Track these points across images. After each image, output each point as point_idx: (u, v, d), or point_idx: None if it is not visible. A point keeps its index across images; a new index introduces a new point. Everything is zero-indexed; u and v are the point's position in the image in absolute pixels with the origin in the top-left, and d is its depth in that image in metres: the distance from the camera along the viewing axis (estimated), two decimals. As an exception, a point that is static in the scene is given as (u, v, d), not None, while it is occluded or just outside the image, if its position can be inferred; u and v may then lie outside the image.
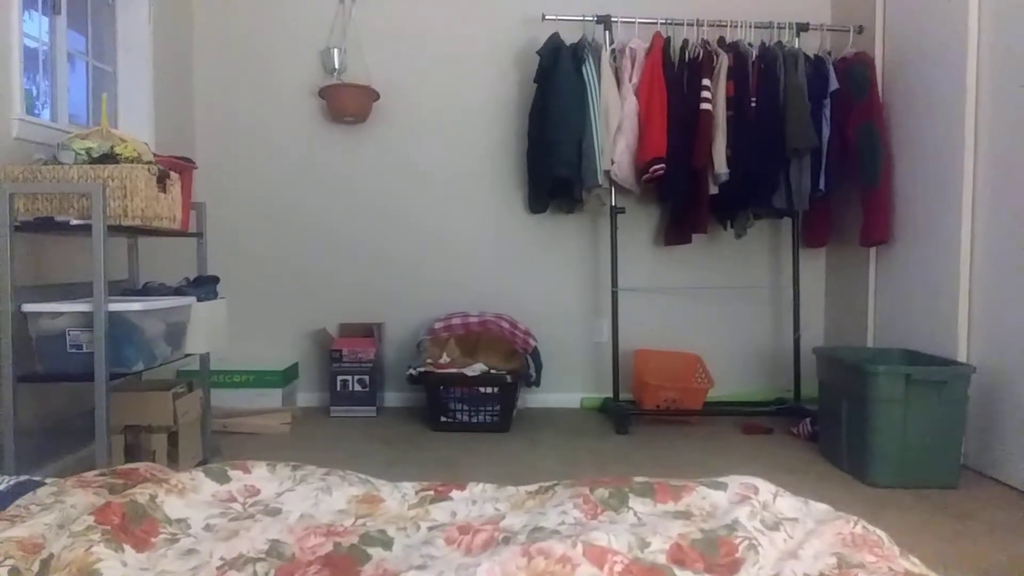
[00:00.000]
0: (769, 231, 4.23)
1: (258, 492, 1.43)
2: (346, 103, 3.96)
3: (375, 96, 4.00)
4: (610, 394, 3.94)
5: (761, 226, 4.14)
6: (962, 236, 3.08)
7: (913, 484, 2.80)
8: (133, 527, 1.20)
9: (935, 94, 3.28)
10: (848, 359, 3.04)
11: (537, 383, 3.77)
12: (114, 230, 2.44)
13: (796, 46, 3.80)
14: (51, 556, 1.10)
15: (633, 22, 3.80)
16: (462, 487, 1.47)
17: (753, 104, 3.67)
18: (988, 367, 2.95)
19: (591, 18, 3.82)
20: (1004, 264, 2.91)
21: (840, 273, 4.11)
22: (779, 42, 3.79)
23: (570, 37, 3.79)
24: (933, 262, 3.27)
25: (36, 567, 1.09)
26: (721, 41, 3.76)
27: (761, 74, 3.69)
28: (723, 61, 3.67)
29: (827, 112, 3.70)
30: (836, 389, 3.09)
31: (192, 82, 4.11)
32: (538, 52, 3.83)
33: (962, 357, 3.07)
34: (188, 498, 1.35)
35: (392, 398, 4.17)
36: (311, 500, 1.39)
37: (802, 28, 3.86)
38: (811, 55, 3.78)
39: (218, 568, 1.12)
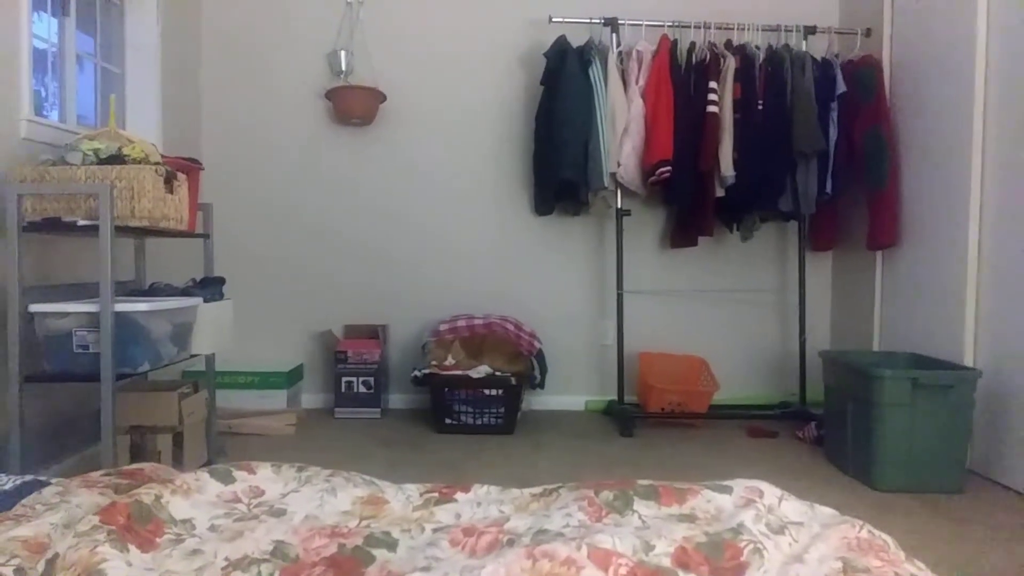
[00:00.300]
0: (775, 234, 4.22)
1: (263, 493, 1.43)
2: (353, 105, 3.96)
3: (382, 98, 4.01)
4: (615, 396, 3.94)
5: (767, 229, 4.13)
6: (969, 240, 3.07)
7: (918, 488, 2.79)
8: (138, 527, 1.20)
9: (943, 97, 3.28)
10: (854, 363, 3.03)
11: (542, 385, 3.77)
12: (121, 231, 2.45)
13: (803, 49, 3.80)
14: (56, 556, 1.10)
15: (640, 24, 3.80)
16: (466, 489, 1.47)
17: (760, 107, 3.66)
18: (994, 371, 2.94)
19: (598, 20, 3.82)
20: (1011, 268, 2.90)
21: (846, 276, 4.10)
22: (786, 45, 3.78)
23: (577, 39, 3.79)
24: (940, 266, 3.26)
25: (41, 567, 1.09)
26: (728, 44, 3.76)
27: (768, 77, 3.69)
28: (730, 63, 3.67)
29: (834, 115, 3.69)
30: (842, 393, 3.08)
31: (199, 84, 4.12)
32: (545, 54, 3.83)
33: (968, 361, 3.06)
34: (193, 499, 1.35)
35: (397, 400, 4.18)
36: (316, 501, 1.40)
37: (809, 31, 3.86)
38: (818, 58, 3.77)
39: (223, 568, 1.12)
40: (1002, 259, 2.95)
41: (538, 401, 4.12)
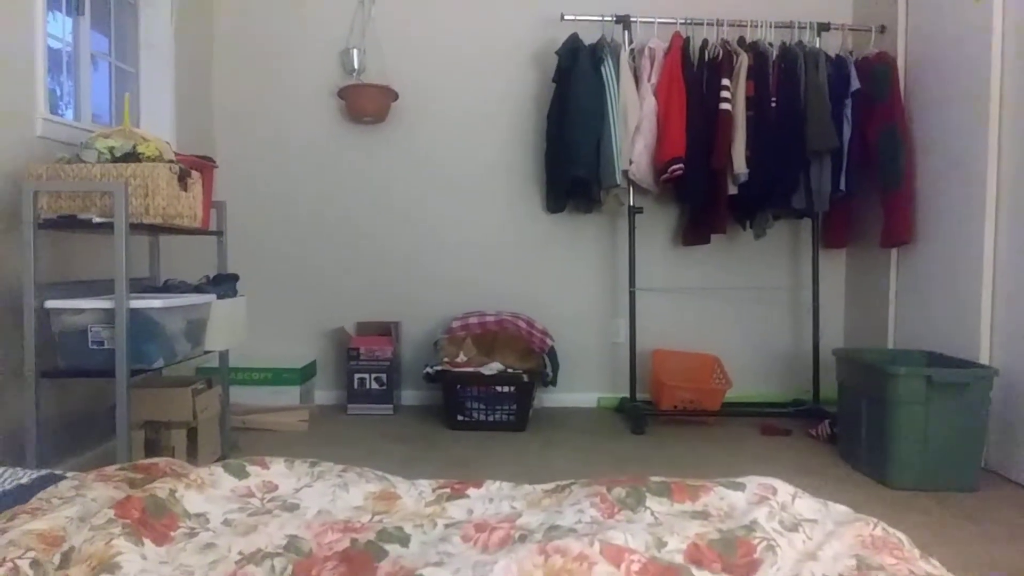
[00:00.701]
0: (789, 232, 4.20)
1: (276, 488, 1.43)
2: (365, 103, 3.97)
3: (394, 96, 4.02)
4: (627, 394, 3.93)
5: (780, 227, 4.11)
6: (985, 237, 3.05)
7: (933, 487, 2.77)
8: (153, 521, 1.21)
9: (958, 94, 3.25)
10: (868, 361, 3.01)
11: (554, 382, 3.76)
12: (136, 228, 2.46)
13: (817, 46, 3.77)
14: (72, 549, 1.11)
15: (652, 22, 3.78)
16: (479, 485, 1.46)
17: (773, 104, 3.64)
18: (1010, 369, 2.91)
19: (610, 18, 3.81)
20: (1028, 266, 2.87)
21: (860, 274, 4.07)
22: (800, 42, 3.75)
23: (589, 37, 3.78)
24: (955, 263, 3.23)
25: (57, 560, 1.09)
26: (741, 41, 3.74)
27: (781, 74, 3.66)
28: (743, 61, 3.65)
29: (848, 112, 3.67)
30: (856, 391, 3.06)
31: (213, 82, 4.14)
32: (557, 52, 3.82)
33: (984, 359, 3.03)
34: (207, 493, 1.35)
35: (409, 396, 4.18)
36: (328, 496, 1.40)
37: (823, 28, 3.83)
38: (832, 55, 3.75)
39: (236, 562, 1.13)
40: (1018, 256, 2.92)
41: (550, 398, 4.12)
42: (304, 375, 3.96)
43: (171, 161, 2.58)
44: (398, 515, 1.35)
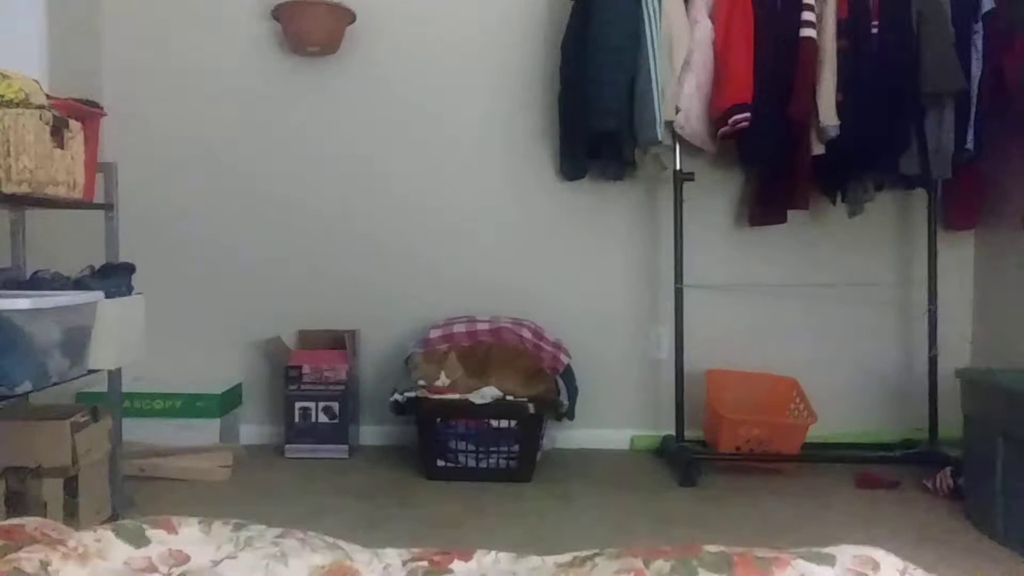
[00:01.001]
0: (895, 207, 4.21)
1: (187, 559, 1.44)
2: (309, 27, 3.97)
3: (349, 17, 4.02)
4: (672, 431, 3.93)
5: (884, 200, 4.12)
6: None
7: (1096, 561, 2.78)
8: (17, 605, 1.21)
9: None
10: (1006, 386, 3.01)
11: (570, 415, 3.77)
12: (-7, 199, 2.46)
13: (935, -51, 3.78)
14: (-95, 643, 1.11)
15: (708, -84, 3.79)
16: (467, 556, 1.47)
17: (874, 31, 3.64)
18: None
19: (649, -90, 3.81)
20: None
21: (995, 266, 4.08)
22: (912, -56, 3.76)
23: (620, -64, 3.79)
24: None
25: None
26: (831, -58, 3.75)
27: (886, -12, 3.68)
28: (833, -30, 3.66)
29: (978, 42, 3.67)
30: (989, 428, 3.07)
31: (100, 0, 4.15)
32: (575, -43, 3.84)
33: None
34: (92, 566, 1.35)
35: (370, 433, 4.20)
36: (260, 571, 1.40)
37: (944, -76, 3.84)
38: (956, -38, 3.76)
39: (132, 663, 1.13)
40: None
41: (566, 437, 4.13)
42: (225, 404, 3.97)
43: (41, 107, 2.57)
44: (356, 597, 1.35)
